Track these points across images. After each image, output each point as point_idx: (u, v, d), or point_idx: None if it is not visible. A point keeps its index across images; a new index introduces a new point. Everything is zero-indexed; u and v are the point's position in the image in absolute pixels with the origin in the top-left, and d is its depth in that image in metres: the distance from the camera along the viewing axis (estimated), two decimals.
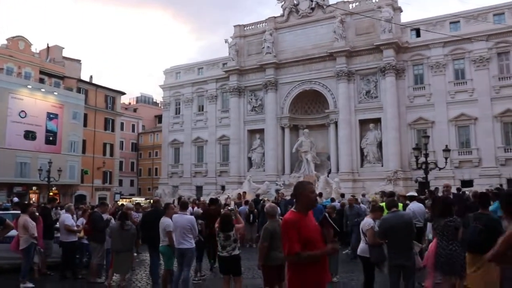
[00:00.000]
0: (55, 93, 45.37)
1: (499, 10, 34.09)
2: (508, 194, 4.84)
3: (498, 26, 33.34)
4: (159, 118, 66.77)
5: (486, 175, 32.13)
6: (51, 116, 44.78)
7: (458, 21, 35.26)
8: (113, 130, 54.76)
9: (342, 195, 23.55)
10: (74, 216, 13.36)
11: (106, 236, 11.11)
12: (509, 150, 32.57)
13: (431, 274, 7.21)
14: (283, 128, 40.52)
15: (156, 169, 63.23)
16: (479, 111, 33.49)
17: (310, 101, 40.79)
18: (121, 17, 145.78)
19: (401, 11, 38.08)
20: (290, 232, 4.23)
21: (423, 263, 7.71)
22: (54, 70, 49.31)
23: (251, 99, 42.77)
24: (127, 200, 41.44)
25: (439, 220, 7.00)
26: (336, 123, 37.61)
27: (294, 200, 4.65)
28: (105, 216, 11.76)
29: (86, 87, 52.13)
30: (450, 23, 35.66)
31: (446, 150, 24.46)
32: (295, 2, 41.03)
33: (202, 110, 47.50)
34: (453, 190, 17.35)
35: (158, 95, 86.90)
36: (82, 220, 12.43)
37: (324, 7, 39.35)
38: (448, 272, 6.69)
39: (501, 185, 28.11)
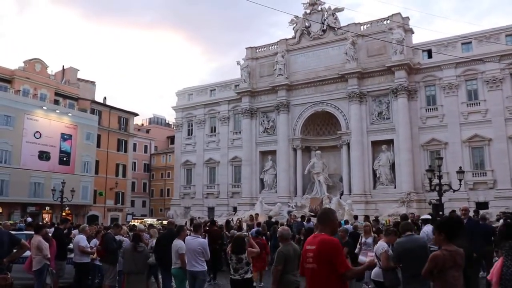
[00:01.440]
0: (69, 114, 46.09)
1: (511, 31, 34.02)
2: (457, 221, 5.37)
3: (510, 46, 33.25)
4: (171, 139, 67.22)
5: (501, 197, 31.52)
6: (65, 137, 45.37)
7: (470, 42, 35.20)
8: (125, 151, 55.23)
9: (355, 217, 23.28)
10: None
11: (119, 257, 11.12)
12: None
13: None
14: (295, 150, 40.43)
15: (168, 190, 63.33)
16: (493, 132, 33.17)
17: (322, 123, 40.79)
18: (134, 39, 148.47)
19: (413, 32, 38.24)
20: (342, 252, 4.76)
21: (489, 277, 7.63)
22: (69, 92, 50.14)
23: (263, 121, 42.89)
24: (139, 221, 41.42)
25: (505, 241, 6.92)
26: (348, 145, 37.45)
27: (319, 224, 5.10)
28: (118, 237, 11.78)
29: (100, 108, 52.90)
30: (462, 44, 35.60)
31: (460, 171, 24.07)
32: (306, 24, 41.37)
33: (214, 131, 47.73)
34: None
35: (170, 116, 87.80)
36: (95, 241, 12.47)
37: (336, 29, 39.50)
38: None
39: None
